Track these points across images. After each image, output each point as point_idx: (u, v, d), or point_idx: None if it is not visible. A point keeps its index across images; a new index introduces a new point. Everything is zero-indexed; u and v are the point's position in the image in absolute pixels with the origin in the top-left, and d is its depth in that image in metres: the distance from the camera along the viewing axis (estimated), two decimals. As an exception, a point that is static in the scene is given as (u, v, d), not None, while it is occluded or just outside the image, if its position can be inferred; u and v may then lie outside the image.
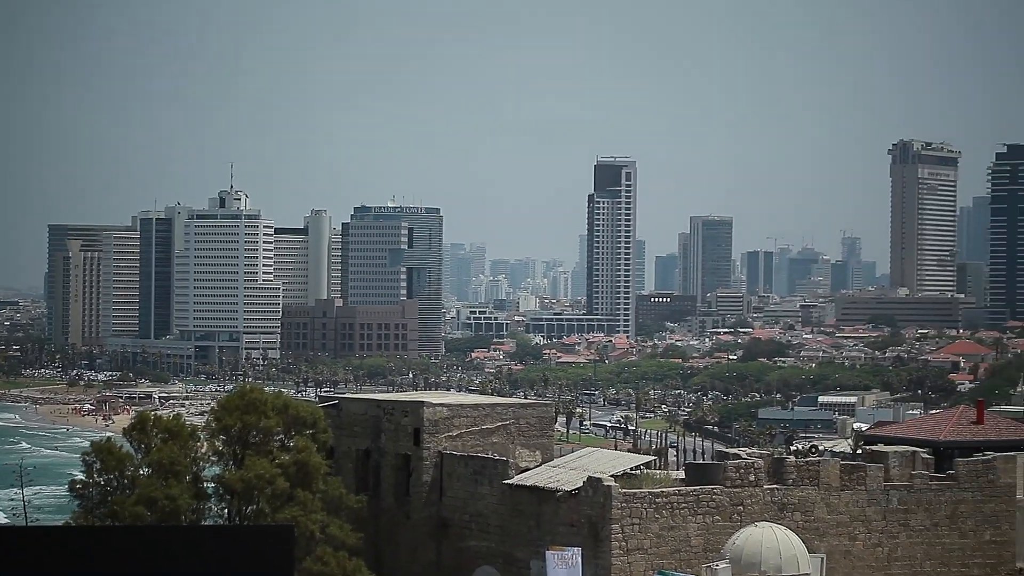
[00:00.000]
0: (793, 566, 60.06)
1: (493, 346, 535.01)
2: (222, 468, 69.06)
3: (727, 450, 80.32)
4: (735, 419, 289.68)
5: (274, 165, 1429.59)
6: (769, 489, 67.15)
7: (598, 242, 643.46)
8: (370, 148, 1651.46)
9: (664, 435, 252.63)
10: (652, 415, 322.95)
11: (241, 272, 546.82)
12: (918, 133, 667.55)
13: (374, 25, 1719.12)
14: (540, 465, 71.99)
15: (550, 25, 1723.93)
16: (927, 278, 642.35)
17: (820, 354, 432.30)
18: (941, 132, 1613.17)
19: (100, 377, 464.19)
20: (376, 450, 77.27)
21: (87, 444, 72.29)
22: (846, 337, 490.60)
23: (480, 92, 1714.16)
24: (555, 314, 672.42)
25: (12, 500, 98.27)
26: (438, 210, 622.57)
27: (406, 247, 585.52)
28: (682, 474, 72.14)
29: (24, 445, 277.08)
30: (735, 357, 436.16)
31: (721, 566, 59.80)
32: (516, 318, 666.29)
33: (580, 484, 65.18)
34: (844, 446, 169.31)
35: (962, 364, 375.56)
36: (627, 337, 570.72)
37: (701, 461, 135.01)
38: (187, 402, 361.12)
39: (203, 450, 69.81)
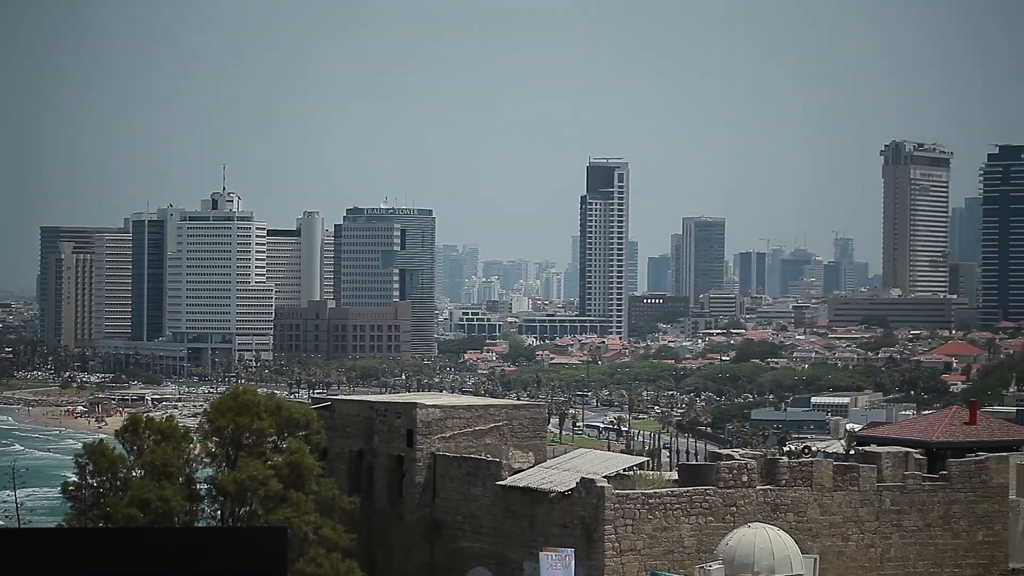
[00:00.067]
0: (786, 567, 60.07)
1: (486, 347, 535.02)
2: (215, 470, 69.02)
3: (720, 451, 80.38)
4: (728, 420, 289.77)
5: (267, 167, 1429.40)
6: (762, 490, 67.20)
7: (591, 243, 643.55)
8: (362, 150, 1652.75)
9: (657, 436, 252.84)
10: (645, 416, 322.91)
11: (234, 274, 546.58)
12: (910, 134, 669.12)
13: (367, 27, 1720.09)
14: (533, 466, 72.02)
15: (542, 27, 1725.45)
16: (919, 279, 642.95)
17: (813, 355, 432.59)
18: (933, 133, 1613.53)
19: (93, 379, 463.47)
20: (369, 451, 77.26)
21: (80, 446, 72.19)
22: (839, 338, 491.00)
23: (472, 94, 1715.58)
24: (548, 315, 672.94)
25: (5, 502, 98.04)
26: (431, 211, 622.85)
27: (399, 248, 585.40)
28: (675, 475, 72.21)
29: (17, 447, 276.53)
30: (728, 358, 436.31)
31: (714, 567, 59.81)
32: (509, 319, 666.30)
33: (573, 485, 65.21)
34: (837, 447, 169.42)
35: (955, 365, 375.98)
36: (620, 338, 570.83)
37: (694, 462, 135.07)
38: (180, 404, 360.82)
39: (196, 452, 69.78)
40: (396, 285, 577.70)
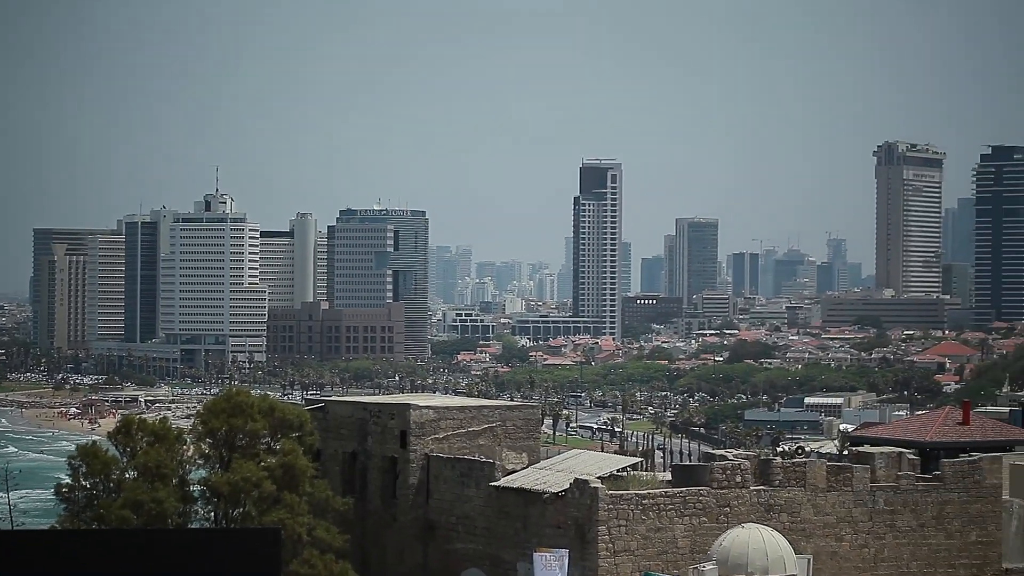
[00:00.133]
0: (780, 567, 60.10)
1: (479, 348, 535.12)
2: (208, 471, 68.96)
3: (714, 451, 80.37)
4: (721, 420, 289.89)
5: (260, 168, 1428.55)
6: (756, 490, 67.21)
7: (584, 244, 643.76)
8: (355, 151, 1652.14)
9: (651, 437, 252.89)
10: (639, 417, 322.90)
11: (227, 275, 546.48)
12: (903, 135, 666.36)
13: (360, 29, 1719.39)
14: (527, 467, 72.02)
15: (535, 28, 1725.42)
16: (912, 279, 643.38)
17: (806, 355, 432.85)
18: (926, 134, 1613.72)
19: (86, 381, 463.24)
20: (363, 453, 77.24)
21: (73, 448, 72.11)
22: (832, 338, 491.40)
23: (465, 95, 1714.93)
24: (541, 316, 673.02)
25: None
26: (424, 213, 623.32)
27: (392, 250, 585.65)
28: (669, 476, 72.19)
29: (10, 449, 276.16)
30: (721, 359, 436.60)
31: (708, 567, 59.84)
32: (502, 320, 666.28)
33: (567, 486, 65.20)
34: (830, 447, 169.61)
35: (948, 365, 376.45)
36: (613, 339, 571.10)
37: (688, 463, 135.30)
38: (173, 405, 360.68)
39: (189, 453, 69.72)
40: (389, 286, 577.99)
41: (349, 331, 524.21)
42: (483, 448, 74.51)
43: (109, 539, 31.53)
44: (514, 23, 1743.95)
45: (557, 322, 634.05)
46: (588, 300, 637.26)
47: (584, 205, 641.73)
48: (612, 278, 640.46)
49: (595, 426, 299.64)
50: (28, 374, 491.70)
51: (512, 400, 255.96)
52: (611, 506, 63.54)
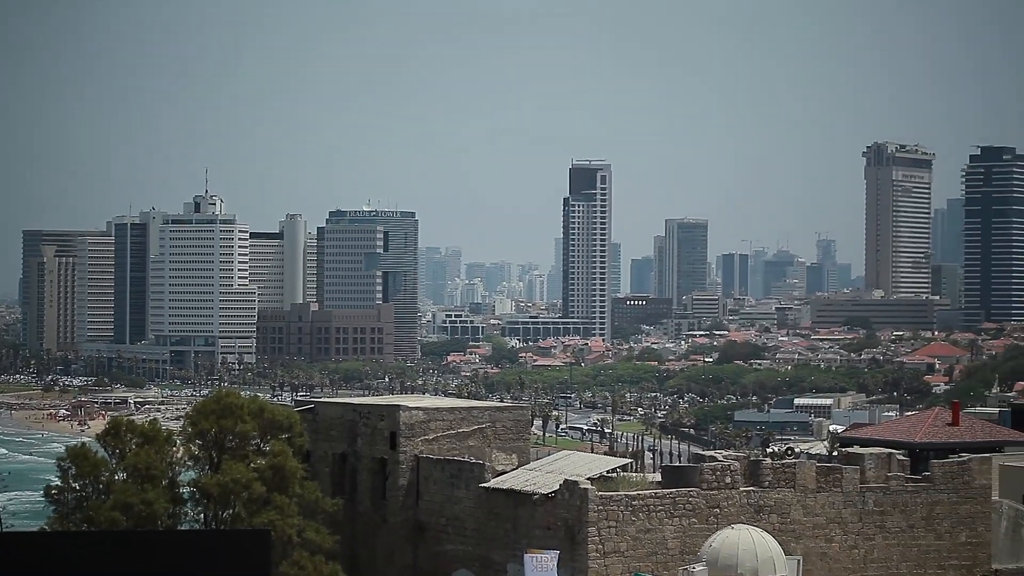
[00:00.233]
0: (770, 568, 60.12)
1: (469, 349, 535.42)
2: (198, 473, 68.87)
3: (703, 452, 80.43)
4: (711, 421, 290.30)
5: (249, 170, 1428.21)
6: (745, 491, 67.23)
7: (574, 245, 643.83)
8: (345, 152, 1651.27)
9: (640, 438, 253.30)
10: (628, 418, 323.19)
11: (216, 277, 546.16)
12: (892, 135, 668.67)
13: (351, 31, 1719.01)
14: (516, 468, 72.00)
15: (525, 31, 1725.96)
16: (902, 280, 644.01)
17: (796, 356, 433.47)
18: (915, 134, 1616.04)
19: (75, 382, 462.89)
20: (352, 454, 77.17)
21: (62, 449, 72.02)
22: (822, 339, 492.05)
23: (455, 97, 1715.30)
24: (531, 317, 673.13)
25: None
26: (413, 214, 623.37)
27: (381, 251, 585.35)
28: (658, 477, 72.19)
29: (0, 451, 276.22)
30: (711, 360, 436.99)
31: (698, 568, 59.84)
32: (492, 321, 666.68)
33: (556, 487, 65.18)
34: (820, 448, 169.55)
35: (937, 366, 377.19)
36: (603, 340, 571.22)
37: (677, 464, 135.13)
38: (163, 407, 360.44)
39: (179, 455, 69.63)
40: (379, 287, 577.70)
41: (339, 332, 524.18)
42: (473, 449, 74.47)
43: (99, 541, 31.47)
44: (504, 25, 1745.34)
45: (547, 323, 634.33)
46: (578, 301, 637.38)
47: (574, 206, 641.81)
48: (602, 279, 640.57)
49: (585, 427, 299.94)
50: (17, 376, 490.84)
51: (502, 401, 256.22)
52: (601, 507, 63.54)
